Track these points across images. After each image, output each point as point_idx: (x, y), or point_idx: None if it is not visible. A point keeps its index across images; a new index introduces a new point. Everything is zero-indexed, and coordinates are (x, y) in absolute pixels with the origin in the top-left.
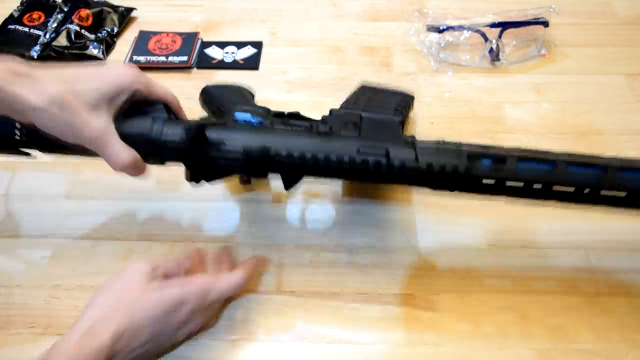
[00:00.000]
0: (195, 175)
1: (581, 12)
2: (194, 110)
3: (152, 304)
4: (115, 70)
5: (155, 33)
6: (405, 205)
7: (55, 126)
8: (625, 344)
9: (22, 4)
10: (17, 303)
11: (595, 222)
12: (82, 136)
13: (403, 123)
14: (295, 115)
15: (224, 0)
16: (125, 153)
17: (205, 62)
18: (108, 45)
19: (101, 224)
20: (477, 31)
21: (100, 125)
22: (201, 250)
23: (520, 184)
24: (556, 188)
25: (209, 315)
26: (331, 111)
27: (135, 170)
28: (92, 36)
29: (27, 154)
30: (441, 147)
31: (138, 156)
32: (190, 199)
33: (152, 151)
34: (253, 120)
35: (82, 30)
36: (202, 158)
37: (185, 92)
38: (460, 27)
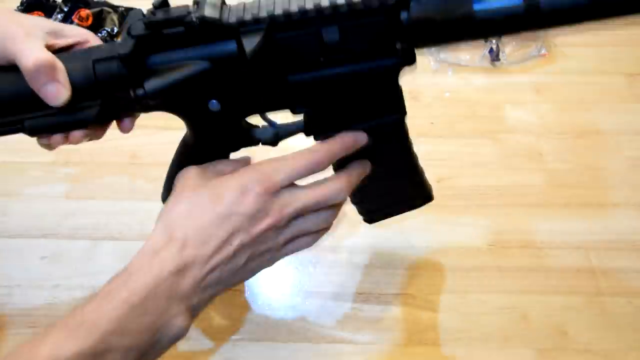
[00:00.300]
0: None
1: None
2: None
3: (207, 199)
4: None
5: None
6: None
7: None
8: (625, 344)
9: (22, 4)
10: (17, 303)
11: (595, 222)
12: (9, 31)
13: None
14: None
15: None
16: (40, 52)
17: None
18: None
19: (101, 224)
20: None
21: (12, 29)
22: None
23: None
24: None
25: (287, 211)
26: None
27: (41, 78)
28: None
29: None
30: None
31: (50, 61)
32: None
33: None
34: None
35: None
36: None
37: None
38: None
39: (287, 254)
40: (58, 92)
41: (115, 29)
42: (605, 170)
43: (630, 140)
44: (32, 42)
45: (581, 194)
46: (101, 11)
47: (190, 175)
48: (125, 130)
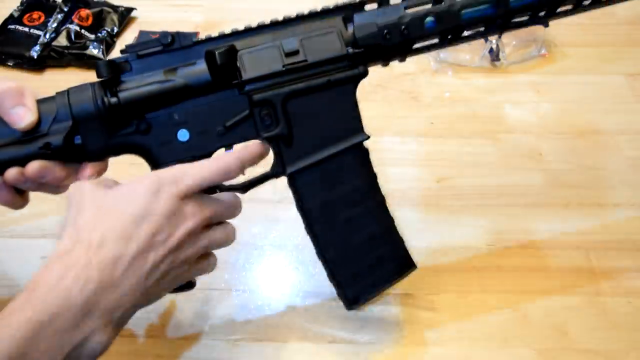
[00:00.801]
0: None
1: None
2: None
3: (117, 201)
4: None
5: (155, 33)
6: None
7: None
8: (625, 344)
9: (22, 4)
10: None
11: (595, 222)
12: None
13: None
14: None
15: (224, 0)
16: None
17: None
18: (108, 45)
19: None
20: None
21: None
22: None
23: None
24: None
25: (200, 212)
26: None
27: (6, 97)
28: (92, 36)
29: None
30: None
31: (16, 88)
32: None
33: None
34: None
35: (82, 30)
36: None
37: None
38: None
39: (196, 273)
40: (24, 114)
41: (115, 29)
42: (605, 170)
43: (630, 140)
44: None
45: (581, 194)
46: (101, 11)
47: (85, 187)
48: (83, 175)
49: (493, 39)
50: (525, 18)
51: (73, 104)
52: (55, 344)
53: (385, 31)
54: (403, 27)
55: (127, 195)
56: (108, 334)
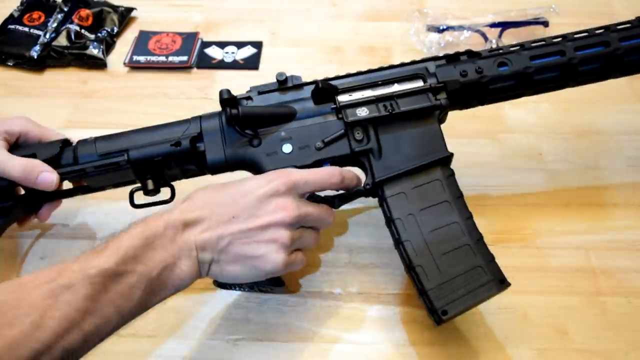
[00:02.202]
0: None
1: (581, 12)
2: (194, 110)
3: (230, 187)
4: (7, 118)
5: (155, 33)
6: None
7: None
8: (625, 343)
9: (22, 4)
10: None
11: (595, 222)
12: None
13: None
14: None
15: (224, 0)
16: (19, 161)
17: (205, 62)
18: (108, 45)
19: (101, 224)
20: (477, 31)
21: None
22: None
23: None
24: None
25: (297, 208)
26: None
27: (31, 175)
28: (92, 36)
29: None
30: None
31: (32, 163)
32: None
33: None
34: None
35: (82, 30)
36: None
37: (185, 92)
38: (460, 27)
39: (288, 265)
40: (50, 178)
41: (115, 29)
42: (605, 170)
43: (630, 140)
44: (5, 155)
45: (581, 194)
46: (101, 11)
47: (207, 186)
48: (42, 218)
49: (493, 38)
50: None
51: (203, 119)
52: (155, 259)
53: (462, 70)
54: (477, 67)
55: (243, 182)
56: (193, 268)
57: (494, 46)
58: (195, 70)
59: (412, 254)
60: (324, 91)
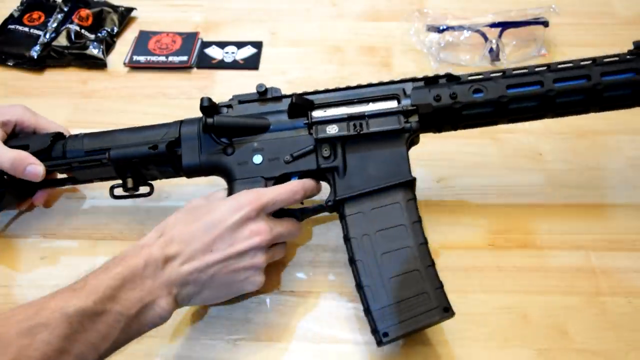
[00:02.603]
0: None
1: (581, 12)
2: (194, 111)
3: (202, 211)
4: (4, 107)
5: (155, 33)
6: None
7: None
8: (625, 343)
9: (22, 4)
10: (18, 303)
11: (595, 222)
12: None
13: None
14: None
15: (224, 0)
16: (10, 152)
17: (205, 62)
18: (108, 45)
19: (101, 224)
20: (477, 31)
21: None
22: None
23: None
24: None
25: (270, 230)
26: None
27: (19, 167)
28: (92, 36)
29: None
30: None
31: (21, 156)
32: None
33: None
34: None
35: (82, 30)
36: None
37: (185, 92)
38: (460, 27)
39: (248, 285)
40: (36, 170)
41: (115, 29)
42: (605, 170)
43: (630, 140)
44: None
45: (581, 194)
46: (101, 11)
47: (195, 200)
48: (38, 202)
49: (493, 38)
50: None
51: (183, 124)
52: (133, 298)
53: (436, 94)
54: (452, 92)
55: (213, 208)
56: (170, 304)
57: (494, 46)
58: (195, 70)
59: (363, 273)
60: (298, 106)
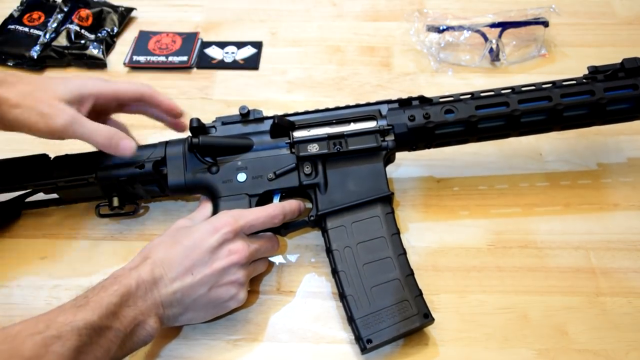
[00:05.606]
0: None
1: (581, 12)
2: (193, 111)
3: (183, 235)
4: (78, 78)
5: (155, 33)
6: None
7: (29, 117)
8: (625, 343)
9: (22, 4)
10: (17, 303)
11: (595, 222)
12: (55, 124)
13: None
14: None
15: (224, 0)
16: (102, 127)
17: (205, 62)
18: (108, 45)
19: (101, 224)
20: (477, 31)
21: (70, 112)
22: None
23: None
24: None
25: (247, 247)
26: None
27: (113, 141)
28: (92, 36)
29: None
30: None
31: (113, 130)
32: (190, 200)
33: None
34: None
35: (82, 30)
36: None
37: (185, 92)
38: (460, 27)
39: (231, 302)
40: (131, 144)
41: (115, 29)
42: (605, 170)
43: (630, 140)
44: (89, 122)
45: (581, 194)
46: (101, 11)
47: (180, 222)
48: None
49: (493, 38)
50: None
51: (168, 145)
52: (129, 316)
53: (410, 114)
54: (425, 112)
55: (193, 231)
56: (158, 323)
57: (494, 46)
58: (195, 70)
59: (345, 283)
60: (280, 127)
